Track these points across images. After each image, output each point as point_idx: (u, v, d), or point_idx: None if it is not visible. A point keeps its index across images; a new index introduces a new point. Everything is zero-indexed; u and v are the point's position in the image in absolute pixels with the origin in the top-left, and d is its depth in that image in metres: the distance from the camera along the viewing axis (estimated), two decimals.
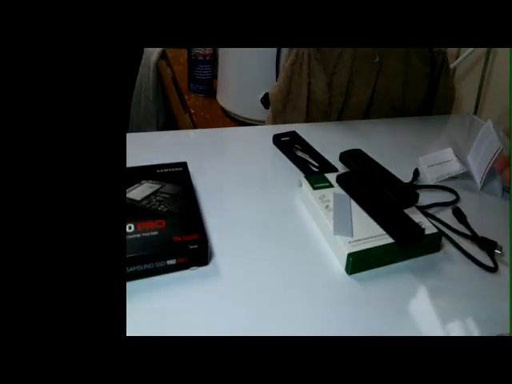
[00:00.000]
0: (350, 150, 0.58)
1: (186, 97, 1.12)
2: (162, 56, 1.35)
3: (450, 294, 0.40)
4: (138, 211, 0.45)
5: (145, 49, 1.35)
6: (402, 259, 0.47)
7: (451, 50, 0.91)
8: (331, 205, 0.50)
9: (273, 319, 0.40)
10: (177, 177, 0.51)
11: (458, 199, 0.59)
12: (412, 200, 0.51)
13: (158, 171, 0.52)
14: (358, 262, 0.44)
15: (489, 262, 0.48)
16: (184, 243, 0.42)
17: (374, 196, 0.51)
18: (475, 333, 0.39)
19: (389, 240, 0.46)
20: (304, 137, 0.67)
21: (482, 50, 0.86)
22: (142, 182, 0.50)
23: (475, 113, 0.89)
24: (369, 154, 0.58)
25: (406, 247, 0.47)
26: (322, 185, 0.53)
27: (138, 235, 0.42)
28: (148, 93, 1.37)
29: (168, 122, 1.42)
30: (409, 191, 0.53)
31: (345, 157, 0.58)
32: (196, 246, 0.42)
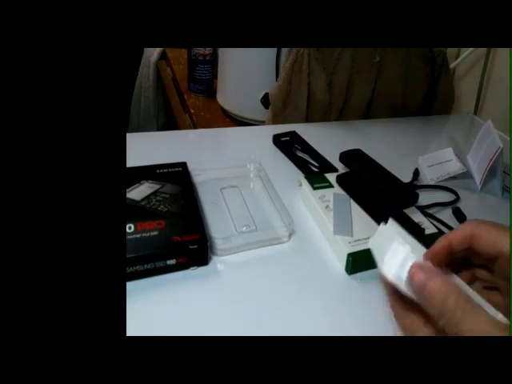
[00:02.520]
0: (349, 150, 0.58)
1: (185, 97, 1.11)
2: (162, 56, 1.35)
3: None
4: (138, 211, 0.45)
5: (145, 49, 1.35)
6: None
7: (451, 50, 0.91)
8: (331, 205, 0.50)
9: (272, 319, 0.40)
10: (177, 177, 0.51)
11: (457, 199, 0.59)
12: (412, 200, 0.51)
13: (157, 171, 0.52)
14: (358, 262, 0.44)
15: None
16: (184, 243, 0.42)
17: (374, 196, 0.51)
18: None
19: None
20: (304, 137, 0.67)
21: (481, 50, 0.86)
22: (142, 182, 0.50)
23: (475, 113, 0.89)
24: (369, 154, 0.58)
25: None
26: (321, 185, 0.53)
27: (138, 235, 0.42)
28: (148, 93, 1.36)
29: (168, 122, 1.42)
30: (409, 191, 0.53)
31: (345, 157, 0.58)
32: (196, 246, 0.42)
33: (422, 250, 0.34)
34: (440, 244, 0.32)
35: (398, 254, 0.28)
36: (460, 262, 0.33)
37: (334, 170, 0.60)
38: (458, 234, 0.32)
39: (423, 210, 0.54)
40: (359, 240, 0.46)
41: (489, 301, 0.33)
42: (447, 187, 0.61)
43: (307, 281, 0.44)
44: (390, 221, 0.34)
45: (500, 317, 0.32)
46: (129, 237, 0.42)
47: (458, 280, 0.34)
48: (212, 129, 0.75)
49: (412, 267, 0.28)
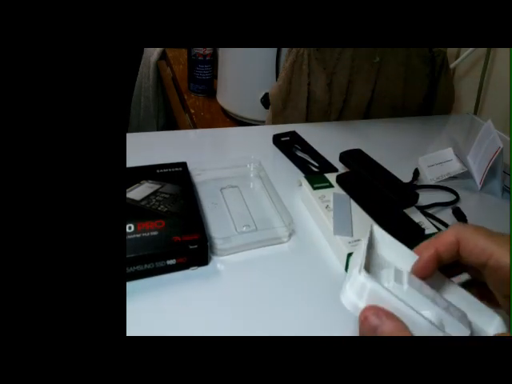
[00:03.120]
0: (349, 150, 0.58)
1: (185, 97, 1.11)
2: (162, 56, 1.35)
3: None
4: (138, 211, 0.45)
5: (145, 49, 1.35)
6: None
7: (451, 50, 0.91)
8: (331, 205, 0.50)
9: (272, 319, 0.40)
10: (177, 177, 0.51)
11: (457, 199, 0.59)
12: (412, 200, 0.51)
13: (157, 171, 0.52)
14: None
15: None
16: (184, 243, 0.42)
17: (374, 196, 0.51)
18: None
19: None
20: (304, 137, 0.67)
21: (481, 50, 0.86)
22: (142, 182, 0.50)
23: (475, 113, 0.89)
24: (369, 154, 0.58)
25: None
26: (321, 185, 0.53)
27: (138, 235, 0.42)
28: (148, 93, 1.36)
29: (168, 121, 1.42)
30: (409, 191, 0.53)
31: (345, 157, 0.58)
32: (196, 246, 0.42)
33: (414, 257, 0.33)
34: (427, 255, 0.32)
35: (356, 283, 0.29)
36: (448, 264, 0.33)
37: (334, 170, 0.60)
38: (443, 241, 0.31)
39: (423, 210, 0.54)
40: (359, 240, 0.45)
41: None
42: (447, 187, 0.61)
43: (307, 281, 0.44)
44: (374, 228, 0.34)
45: (497, 319, 0.32)
46: (129, 237, 0.42)
47: (449, 284, 0.34)
48: (212, 129, 0.75)
49: (365, 310, 0.28)
